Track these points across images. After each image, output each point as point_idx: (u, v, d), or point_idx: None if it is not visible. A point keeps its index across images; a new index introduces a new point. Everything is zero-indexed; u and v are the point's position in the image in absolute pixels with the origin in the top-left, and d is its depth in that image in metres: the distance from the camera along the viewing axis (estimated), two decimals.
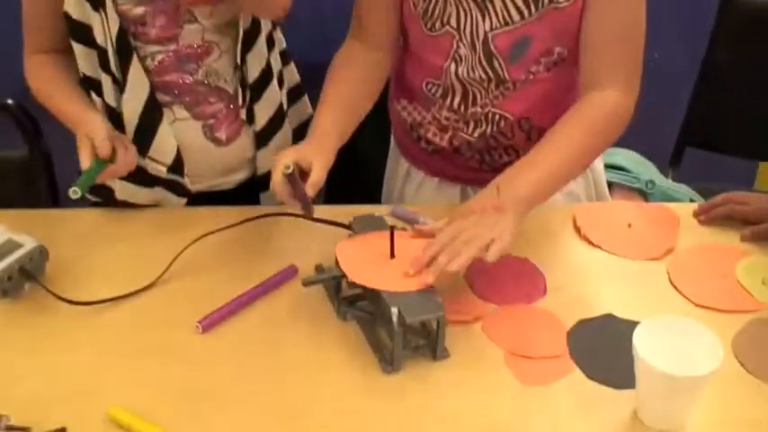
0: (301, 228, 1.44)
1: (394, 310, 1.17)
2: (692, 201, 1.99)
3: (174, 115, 1.50)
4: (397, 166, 1.72)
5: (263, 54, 1.51)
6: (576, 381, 1.20)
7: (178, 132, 1.51)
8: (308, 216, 1.33)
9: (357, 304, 1.30)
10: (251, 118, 1.55)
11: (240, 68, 1.49)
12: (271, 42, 1.54)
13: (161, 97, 1.48)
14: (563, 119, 1.39)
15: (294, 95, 1.66)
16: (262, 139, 1.57)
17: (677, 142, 2.27)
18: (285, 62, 1.62)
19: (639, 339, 1.09)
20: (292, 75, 1.66)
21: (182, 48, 1.45)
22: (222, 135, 1.54)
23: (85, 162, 1.37)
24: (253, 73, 1.51)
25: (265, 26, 1.52)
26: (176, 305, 1.32)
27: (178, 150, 1.51)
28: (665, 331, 1.12)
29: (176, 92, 1.49)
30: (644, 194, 1.98)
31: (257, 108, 1.54)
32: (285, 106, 1.61)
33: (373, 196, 1.81)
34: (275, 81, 1.56)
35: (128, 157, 1.40)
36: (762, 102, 2.12)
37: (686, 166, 2.28)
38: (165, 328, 1.28)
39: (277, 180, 1.29)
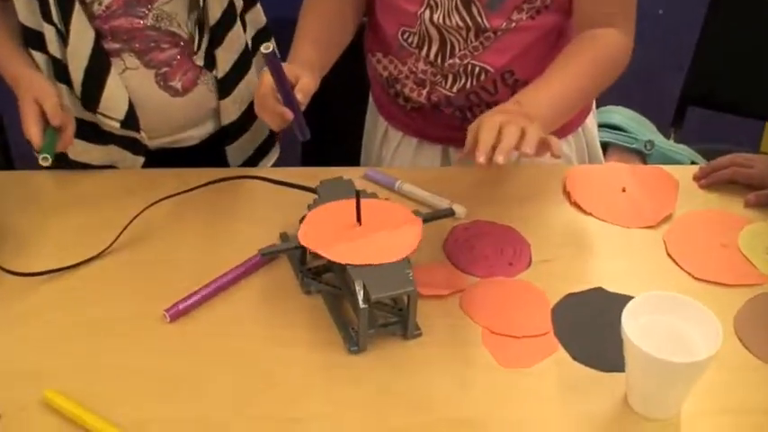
0: (266, 191, 1.34)
1: (359, 285, 1.06)
2: (693, 163, 1.90)
3: (125, 64, 1.40)
4: (375, 127, 1.62)
5: None
6: (561, 362, 1.10)
7: (129, 83, 1.41)
8: (304, 137, 1.23)
9: (323, 276, 1.19)
10: (211, 64, 1.44)
11: (199, 8, 1.38)
12: None
13: (109, 45, 1.38)
14: (567, 48, 1.33)
15: (260, 40, 1.53)
16: (224, 87, 1.47)
17: (679, 101, 2.19)
18: (251, 1, 1.50)
19: (629, 319, 0.98)
20: (258, 16, 1.54)
21: None
22: (177, 84, 1.44)
23: (32, 127, 1.29)
24: (214, 13, 1.40)
25: None
26: (130, 277, 1.22)
27: (130, 103, 1.41)
28: (658, 310, 1.01)
29: (125, 37, 1.38)
30: (642, 156, 1.88)
31: (219, 52, 1.44)
32: (251, 51, 1.50)
33: (354, 160, 1.72)
34: (239, 22, 1.45)
35: (70, 129, 1.33)
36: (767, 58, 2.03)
37: (689, 126, 2.20)
38: (116, 301, 1.18)
39: (262, 87, 1.21)
